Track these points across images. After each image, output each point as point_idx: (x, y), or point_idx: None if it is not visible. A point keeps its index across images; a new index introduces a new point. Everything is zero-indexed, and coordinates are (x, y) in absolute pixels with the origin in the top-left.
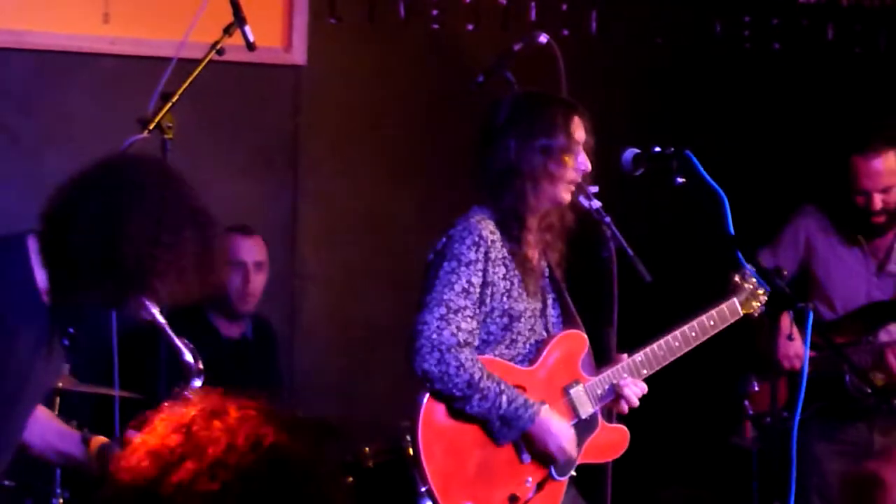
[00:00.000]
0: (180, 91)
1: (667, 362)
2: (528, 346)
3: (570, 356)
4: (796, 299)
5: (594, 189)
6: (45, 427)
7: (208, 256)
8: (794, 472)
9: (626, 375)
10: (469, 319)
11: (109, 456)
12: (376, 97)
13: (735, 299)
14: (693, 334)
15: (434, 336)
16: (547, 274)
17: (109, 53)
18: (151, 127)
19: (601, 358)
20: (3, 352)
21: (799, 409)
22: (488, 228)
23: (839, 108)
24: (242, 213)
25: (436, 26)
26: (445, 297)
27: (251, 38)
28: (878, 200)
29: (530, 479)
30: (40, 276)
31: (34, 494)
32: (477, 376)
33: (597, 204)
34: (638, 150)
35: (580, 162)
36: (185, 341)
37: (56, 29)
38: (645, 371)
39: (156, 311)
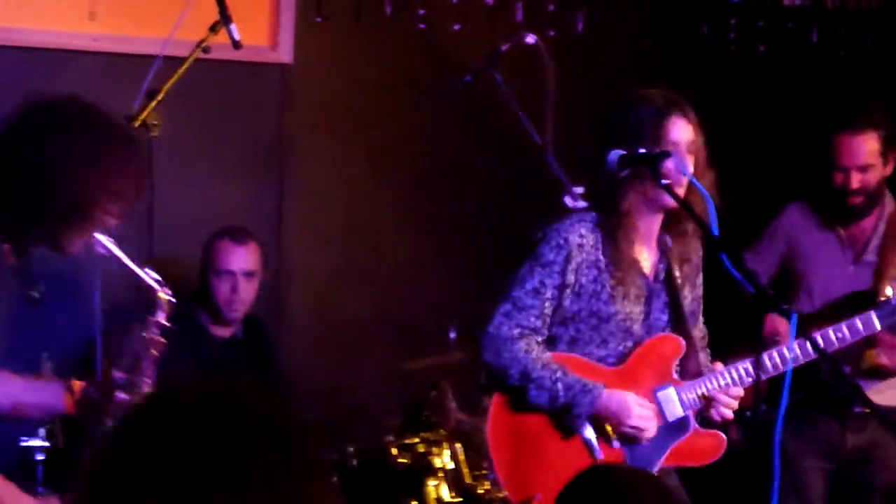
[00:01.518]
0: (165, 89)
1: (778, 372)
2: (621, 347)
3: (664, 359)
4: (780, 301)
5: (580, 190)
6: (9, 384)
7: (138, 173)
8: (776, 465)
9: (725, 382)
10: (534, 318)
11: (93, 398)
12: (362, 96)
13: (872, 312)
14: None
15: (493, 330)
16: (662, 279)
17: (95, 51)
18: (136, 124)
19: None
20: None
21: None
22: (578, 232)
23: (824, 111)
24: (228, 211)
25: (422, 26)
26: (515, 294)
27: (237, 37)
28: (855, 179)
29: None
30: None
31: None
32: (530, 367)
33: (582, 205)
34: (623, 152)
35: (683, 166)
36: (147, 269)
37: (41, 26)
38: (750, 379)
39: (112, 246)
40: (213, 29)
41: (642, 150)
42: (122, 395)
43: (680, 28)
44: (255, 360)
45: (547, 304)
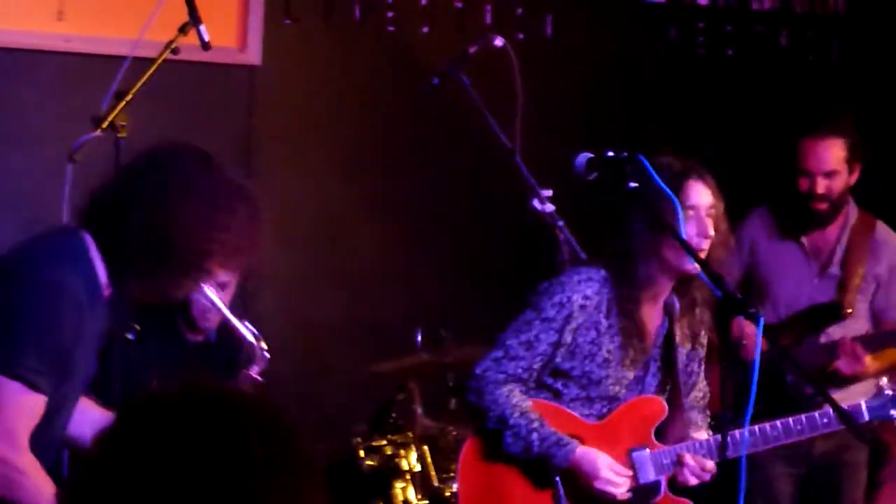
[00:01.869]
0: (134, 90)
1: (757, 450)
2: (605, 410)
3: (644, 421)
4: (747, 304)
5: (548, 193)
6: (92, 416)
7: (258, 230)
8: (743, 472)
9: (700, 451)
10: (521, 370)
11: None
12: (331, 98)
13: (862, 401)
14: (798, 428)
15: (479, 372)
16: (660, 343)
17: (63, 51)
18: (105, 125)
19: None
20: (80, 348)
21: (750, 410)
22: (583, 293)
23: (792, 114)
24: None
25: (391, 28)
26: (508, 342)
27: (206, 38)
28: (820, 184)
29: None
30: (100, 269)
31: None
32: (508, 412)
33: (550, 208)
34: (591, 155)
35: (697, 229)
36: (247, 324)
37: (9, 26)
38: (729, 453)
39: (214, 297)
40: (183, 30)
41: (610, 154)
42: None
43: (648, 32)
44: (226, 362)
45: (538, 358)
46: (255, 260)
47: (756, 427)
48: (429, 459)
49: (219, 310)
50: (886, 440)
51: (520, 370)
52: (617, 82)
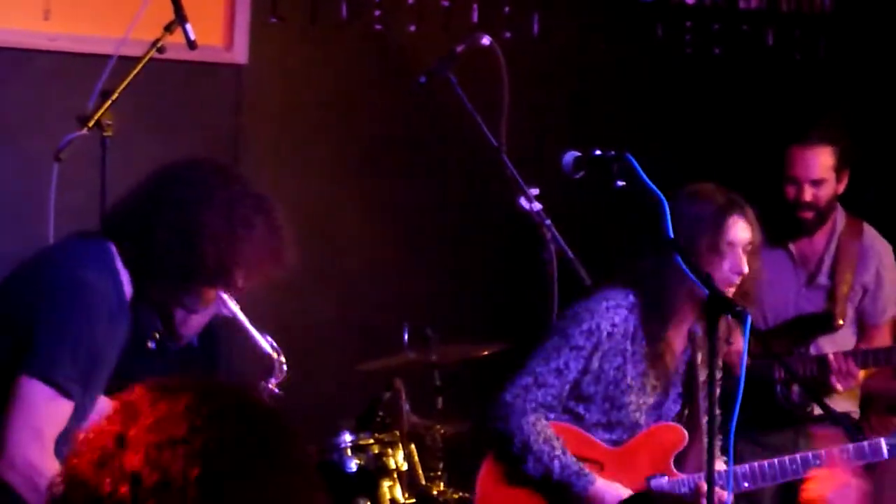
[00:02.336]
0: (120, 89)
1: (775, 483)
2: (626, 435)
3: (664, 448)
4: (734, 303)
5: (535, 192)
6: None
7: (278, 239)
8: (730, 470)
9: (718, 482)
10: (551, 398)
11: None
12: (318, 97)
13: (883, 440)
14: (817, 462)
15: (509, 399)
16: (682, 370)
17: (49, 50)
18: (91, 124)
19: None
20: (106, 355)
21: (737, 410)
22: (611, 321)
23: (779, 113)
24: None
25: (378, 27)
26: (538, 369)
27: (192, 37)
28: (808, 192)
29: None
30: (125, 279)
31: None
32: (532, 439)
33: (537, 206)
34: (579, 153)
35: (731, 264)
36: (266, 335)
37: None
38: (746, 484)
39: (235, 308)
40: (169, 29)
41: (597, 152)
42: None
43: (635, 30)
44: (208, 365)
45: (567, 385)
46: (280, 271)
47: (756, 464)
48: (416, 458)
49: (236, 319)
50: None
51: (549, 398)
52: (604, 81)
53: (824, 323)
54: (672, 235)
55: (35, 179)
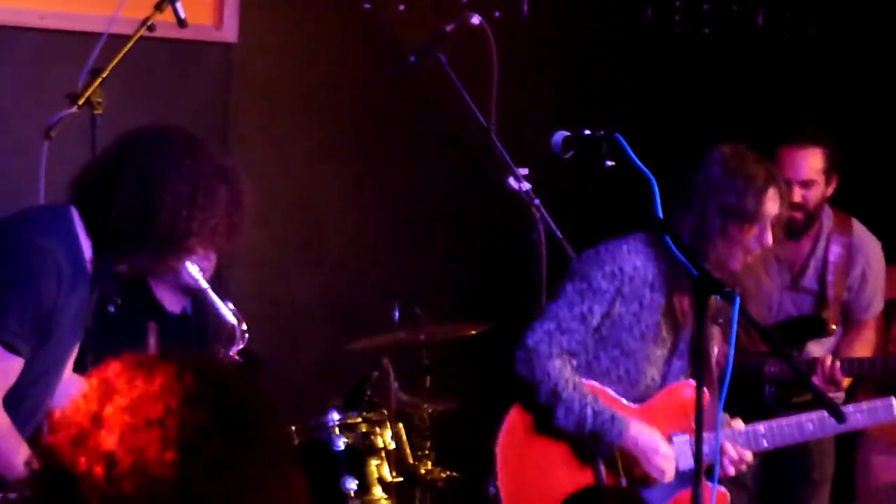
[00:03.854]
0: (110, 67)
1: (794, 442)
2: (636, 387)
3: (685, 406)
4: (722, 283)
5: (524, 171)
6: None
7: (239, 211)
8: (717, 458)
9: (738, 441)
10: (575, 343)
11: None
12: (307, 76)
13: (893, 399)
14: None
15: (532, 344)
16: (693, 328)
17: (39, 28)
18: (81, 102)
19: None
20: (60, 317)
21: (723, 399)
22: (633, 263)
23: (768, 94)
24: None
25: (367, 6)
26: (561, 314)
27: (182, 15)
28: (797, 193)
29: None
30: (85, 245)
31: None
32: (561, 386)
33: (526, 186)
34: (567, 133)
35: (763, 237)
36: (228, 303)
37: None
38: (765, 443)
39: (197, 275)
40: (159, 7)
41: (587, 132)
42: None
43: (624, 10)
44: (201, 336)
45: (590, 330)
46: (235, 240)
47: (775, 423)
48: (404, 437)
49: (199, 287)
50: None
51: (574, 343)
52: (593, 60)
53: (818, 327)
54: (692, 199)
55: (25, 157)
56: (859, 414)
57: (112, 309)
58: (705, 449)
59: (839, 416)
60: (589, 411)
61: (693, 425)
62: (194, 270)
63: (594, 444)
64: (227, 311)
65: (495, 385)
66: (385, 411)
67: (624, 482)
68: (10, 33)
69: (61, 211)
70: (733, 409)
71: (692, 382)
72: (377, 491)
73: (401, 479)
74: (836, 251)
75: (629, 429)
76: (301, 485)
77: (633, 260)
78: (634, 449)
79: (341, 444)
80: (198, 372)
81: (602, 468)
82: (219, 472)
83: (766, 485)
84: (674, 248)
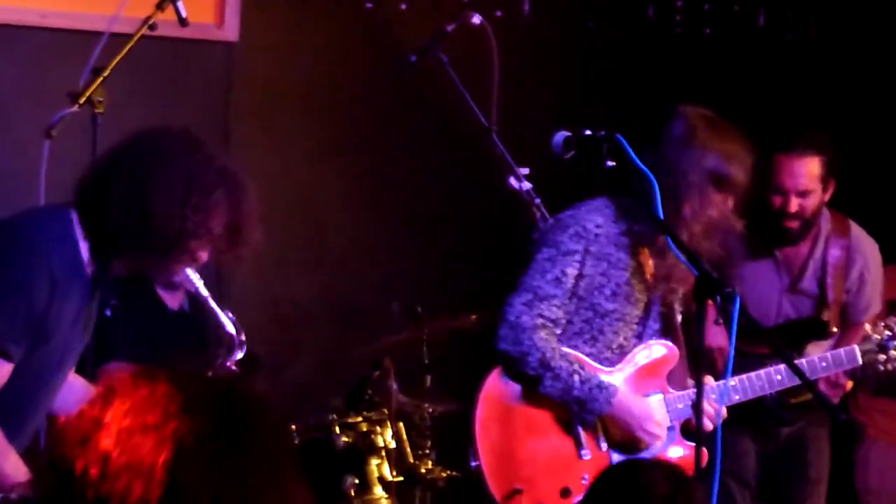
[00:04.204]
0: (111, 66)
1: (764, 393)
2: (610, 349)
3: (657, 366)
4: (723, 283)
5: (524, 171)
6: (82, 393)
7: (240, 215)
8: (717, 457)
9: (712, 395)
10: (555, 308)
11: None
12: (308, 75)
13: (856, 346)
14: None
15: (513, 318)
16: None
17: (41, 27)
18: (82, 101)
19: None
20: (55, 319)
21: (724, 393)
22: (595, 221)
23: (770, 94)
24: None
25: (369, 5)
26: (535, 283)
27: (183, 14)
28: (794, 202)
29: (587, 476)
30: (83, 247)
31: None
32: (549, 355)
33: (527, 186)
34: (569, 133)
35: (729, 204)
36: (228, 312)
37: None
38: (737, 397)
39: (198, 283)
40: (160, 6)
41: (587, 132)
42: None
43: (626, 10)
44: (198, 332)
45: (567, 293)
46: (241, 248)
47: (745, 376)
48: (404, 436)
49: (199, 295)
50: (861, 420)
51: (553, 308)
52: (594, 60)
53: (818, 330)
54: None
55: (26, 156)
56: (824, 363)
57: (109, 313)
58: (678, 405)
59: (839, 418)
60: (576, 378)
61: (666, 385)
62: (195, 278)
63: (579, 410)
64: (226, 320)
65: None
66: (385, 410)
67: (604, 446)
68: (11, 32)
69: (60, 213)
70: (734, 411)
71: (664, 343)
72: (377, 490)
73: (401, 478)
74: (834, 253)
75: (616, 396)
76: (302, 495)
77: (594, 218)
78: (626, 416)
79: (342, 442)
80: (200, 381)
81: (582, 433)
82: (214, 476)
83: (763, 483)
84: (674, 248)
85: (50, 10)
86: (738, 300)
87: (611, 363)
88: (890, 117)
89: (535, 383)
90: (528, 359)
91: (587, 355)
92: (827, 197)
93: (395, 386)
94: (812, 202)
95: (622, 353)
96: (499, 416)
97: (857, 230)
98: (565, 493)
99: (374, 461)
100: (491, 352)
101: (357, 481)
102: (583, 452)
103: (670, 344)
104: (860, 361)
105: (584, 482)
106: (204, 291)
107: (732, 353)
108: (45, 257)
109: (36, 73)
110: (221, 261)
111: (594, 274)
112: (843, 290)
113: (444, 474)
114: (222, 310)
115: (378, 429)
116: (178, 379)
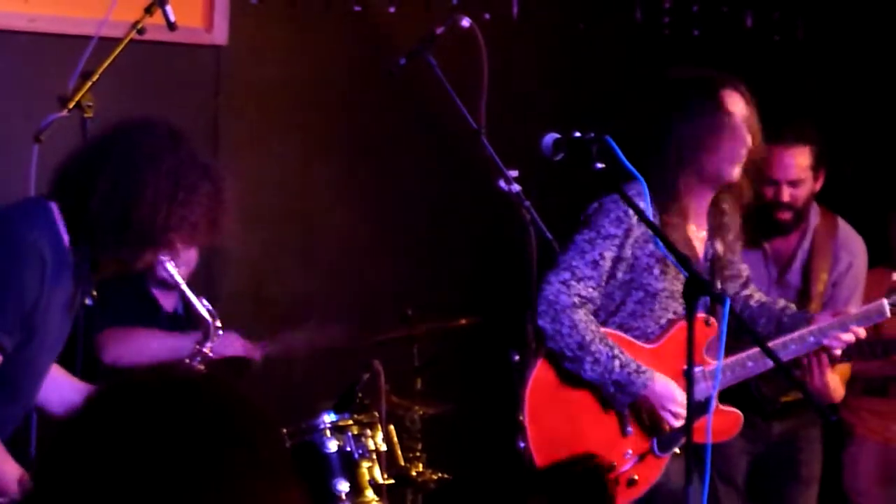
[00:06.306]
0: (101, 70)
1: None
2: (657, 323)
3: (695, 340)
4: (713, 285)
5: (514, 173)
6: (62, 384)
7: (220, 209)
8: (708, 454)
9: (749, 363)
10: (591, 289)
11: None
12: (297, 79)
13: (884, 300)
14: (833, 331)
15: (551, 297)
16: (710, 256)
17: (29, 31)
18: (71, 105)
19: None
20: (46, 310)
21: (715, 394)
22: (638, 205)
23: (757, 95)
24: None
25: (358, 8)
26: (574, 263)
27: (172, 18)
28: (786, 193)
29: (630, 451)
30: (66, 238)
31: None
32: (588, 338)
33: (516, 188)
34: (558, 135)
35: (739, 137)
36: (203, 299)
37: None
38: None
39: (174, 271)
40: (149, 10)
41: (577, 134)
42: None
43: (614, 12)
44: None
45: (605, 275)
46: (217, 238)
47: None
48: (395, 439)
49: (174, 283)
50: (849, 420)
51: (590, 289)
52: (583, 62)
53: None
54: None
55: (15, 160)
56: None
57: (90, 302)
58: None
59: (828, 417)
60: (616, 363)
61: (704, 356)
62: (170, 266)
63: (617, 392)
64: (201, 307)
65: (486, 387)
66: (376, 413)
67: (630, 431)
68: (0, 36)
69: (41, 203)
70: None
71: (701, 314)
72: (369, 493)
73: (392, 480)
74: (821, 247)
75: (654, 380)
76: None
77: (637, 202)
78: (653, 398)
79: (333, 446)
80: (195, 385)
81: (627, 414)
82: (203, 482)
83: (755, 484)
84: (663, 248)
85: (39, 14)
86: (728, 302)
87: (651, 337)
88: (878, 119)
89: (573, 364)
90: (567, 339)
91: (634, 330)
92: (818, 186)
93: (385, 388)
94: (803, 192)
95: (670, 325)
96: (547, 399)
97: (844, 226)
98: (610, 468)
99: (365, 464)
100: (483, 354)
101: (348, 484)
102: (627, 429)
103: (709, 317)
104: (888, 314)
105: (627, 457)
106: (179, 279)
107: (722, 354)
108: (35, 249)
109: (25, 78)
110: (199, 248)
111: (640, 256)
112: (826, 283)
113: (434, 476)
114: (198, 297)
115: (369, 431)
116: (168, 385)
